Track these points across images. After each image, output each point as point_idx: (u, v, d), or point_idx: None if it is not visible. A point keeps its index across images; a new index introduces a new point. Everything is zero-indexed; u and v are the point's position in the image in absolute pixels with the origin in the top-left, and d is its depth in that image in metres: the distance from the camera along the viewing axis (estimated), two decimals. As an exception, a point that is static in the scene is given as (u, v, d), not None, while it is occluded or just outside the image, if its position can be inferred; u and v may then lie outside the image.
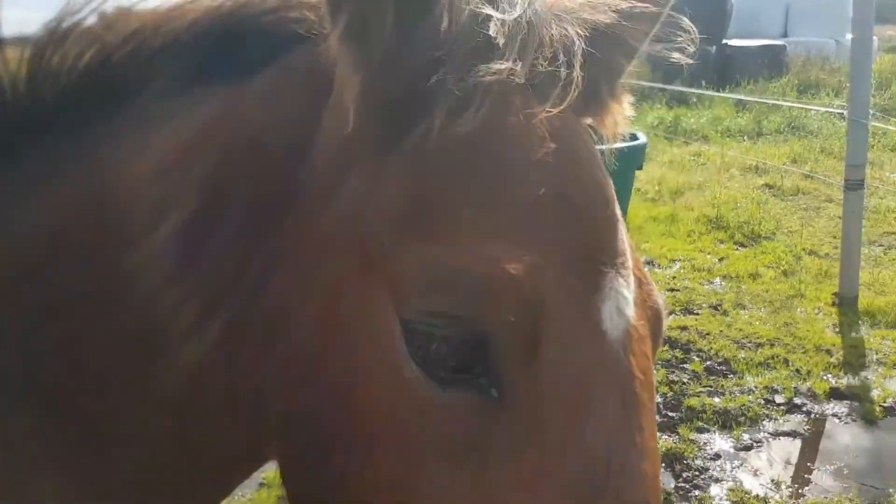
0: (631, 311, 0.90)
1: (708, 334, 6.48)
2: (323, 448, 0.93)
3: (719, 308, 7.04)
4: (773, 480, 4.50)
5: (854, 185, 6.47)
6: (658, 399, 5.53)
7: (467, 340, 0.82)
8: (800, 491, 4.40)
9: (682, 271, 7.89)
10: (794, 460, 4.78)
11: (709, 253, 8.39)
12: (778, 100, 13.63)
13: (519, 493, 0.80)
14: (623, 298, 0.89)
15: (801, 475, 4.60)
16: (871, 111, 6.82)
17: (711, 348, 6.24)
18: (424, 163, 0.87)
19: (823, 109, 11.68)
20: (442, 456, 0.83)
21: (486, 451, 0.81)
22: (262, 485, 4.55)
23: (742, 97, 13.52)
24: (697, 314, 6.88)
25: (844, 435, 5.11)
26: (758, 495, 4.28)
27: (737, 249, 8.47)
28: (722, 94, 13.35)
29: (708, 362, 6.05)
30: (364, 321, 0.88)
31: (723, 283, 7.67)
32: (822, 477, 4.58)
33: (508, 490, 0.80)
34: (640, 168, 7.50)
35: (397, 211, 0.86)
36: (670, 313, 6.99)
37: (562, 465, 0.81)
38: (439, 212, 0.86)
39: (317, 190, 0.94)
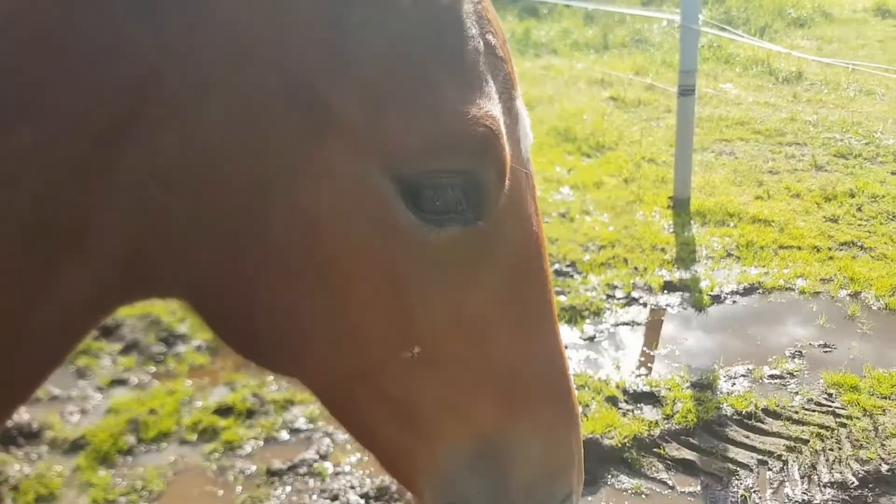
0: (531, 130, 1.11)
1: (557, 240, 6.75)
2: (266, 307, 0.94)
3: (566, 215, 7.34)
4: (614, 366, 4.83)
5: (686, 91, 6.82)
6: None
7: (461, 185, 0.91)
8: (637, 372, 4.75)
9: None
10: (632, 347, 5.15)
11: (558, 165, 8.67)
12: (622, 7, 13.99)
13: (505, 285, 0.95)
14: (527, 119, 1.07)
15: (639, 359, 4.97)
16: (709, 21, 7.15)
17: (560, 252, 6.52)
18: (402, 41, 0.91)
19: (659, 15, 12.19)
20: (432, 283, 0.92)
21: (475, 268, 0.93)
22: (109, 411, 4.29)
23: (589, 4, 13.73)
24: (547, 222, 7.14)
25: (677, 322, 5.57)
26: (600, 378, 4.58)
27: (584, 160, 8.81)
28: (571, 4, 13.50)
29: (556, 265, 6.32)
30: (324, 181, 0.90)
31: (571, 191, 7.98)
32: (657, 360, 4.97)
33: (496, 289, 0.95)
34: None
35: (375, 87, 0.90)
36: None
37: (528, 255, 0.99)
38: (420, 82, 0.91)
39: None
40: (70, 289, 0.90)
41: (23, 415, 4.27)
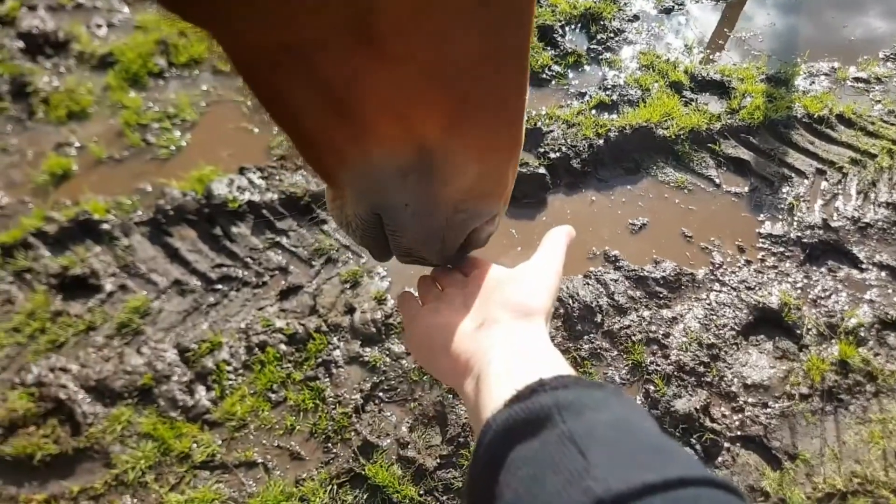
0: None
1: None
2: None
3: None
4: (686, 45, 4.35)
5: None
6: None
7: None
8: (712, 56, 4.29)
9: None
10: (712, 25, 4.58)
11: None
12: None
13: None
14: None
15: (716, 40, 4.46)
16: None
17: None
18: None
19: None
20: None
21: None
22: (137, 28, 4.03)
23: None
24: None
25: (772, 2, 4.87)
26: (668, 60, 4.15)
27: None
28: None
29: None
30: None
31: None
32: (736, 44, 4.45)
33: None
34: None
35: None
36: None
37: None
38: None
39: None
40: None
41: (47, 22, 4.02)
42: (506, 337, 0.75)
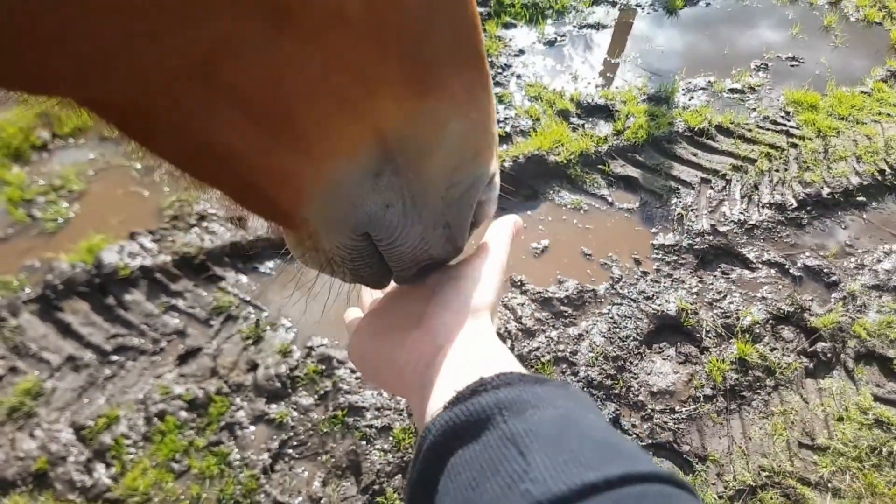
0: None
1: (526, -80, 5.89)
2: None
3: None
4: (571, 76, 4.52)
5: None
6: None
7: None
8: (595, 82, 4.47)
9: None
10: (593, 54, 4.79)
11: None
12: None
13: None
14: None
15: (599, 68, 4.66)
16: None
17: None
18: None
19: None
20: None
21: None
22: (18, 102, 3.91)
23: None
24: None
25: (644, 26, 5.14)
26: (554, 90, 4.31)
27: None
28: None
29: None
30: None
31: None
32: (617, 68, 4.66)
33: None
34: None
35: None
36: None
37: None
38: None
39: None
40: None
41: (-79, 103, 3.87)
42: (451, 340, 0.70)
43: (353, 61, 0.60)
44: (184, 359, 2.74)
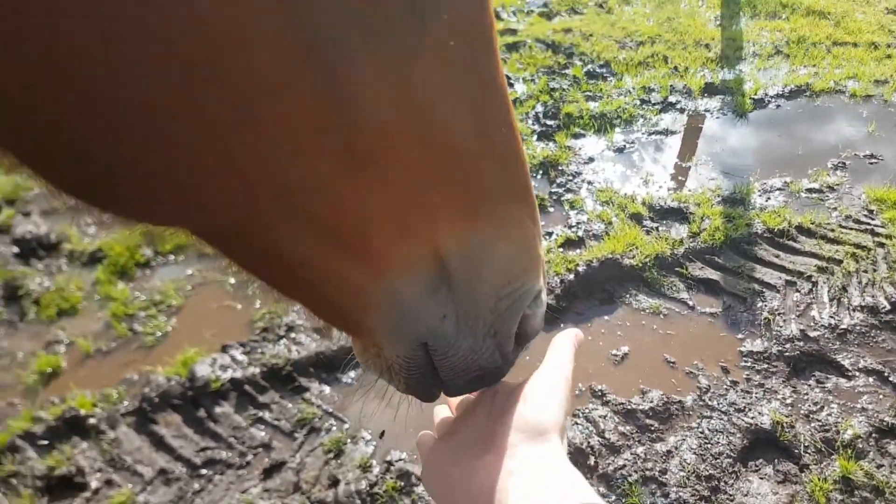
0: None
1: (591, 35, 6.17)
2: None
3: (604, 6, 6.65)
4: (643, 180, 4.58)
5: None
6: (538, 108, 5.35)
7: None
8: (667, 186, 4.51)
9: (568, -34, 7.28)
10: (664, 158, 4.85)
11: (597, -56, 7.71)
12: None
13: (452, 49, 0.68)
14: None
15: (671, 171, 4.70)
16: None
17: (594, 50, 5.98)
18: None
19: None
20: (368, 52, 0.63)
21: (417, 30, 0.66)
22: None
23: None
24: (583, 14, 6.50)
25: (714, 130, 5.19)
26: (626, 194, 4.36)
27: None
28: None
29: (589, 66, 5.82)
30: None
31: (610, -23, 7.16)
32: (690, 171, 4.70)
33: (442, 56, 0.68)
34: None
35: None
36: (556, 14, 6.59)
37: (489, 43, 0.72)
38: None
39: None
40: None
41: (40, 226, 4.25)
42: (522, 464, 0.72)
43: (418, 194, 0.70)
44: (269, 473, 2.79)
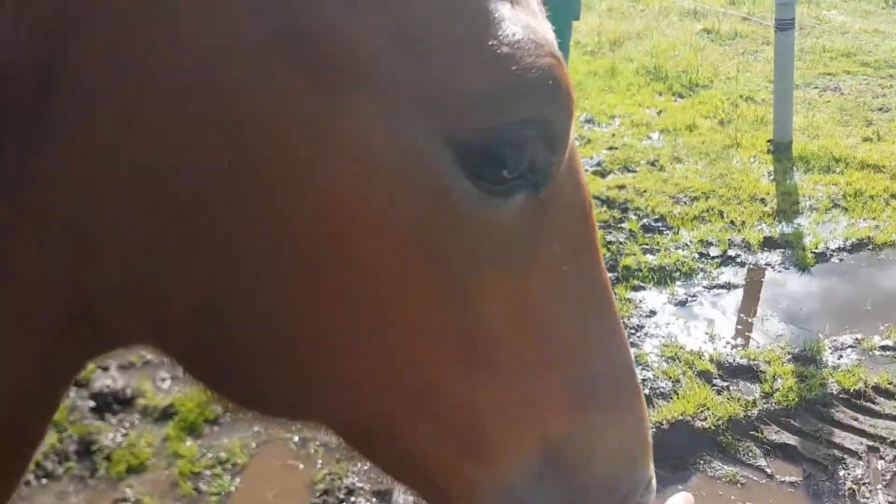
0: None
1: (645, 191, 6.37)
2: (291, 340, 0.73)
3: (656, 163, 6.90)
4: (708, 335, 4.54)
5: (784, 26, 6.19)
6: (595, 261, 5.45)
7: (535, 139, 0.71)
8: (733, 342, 4.45)
9: (621, 128, 7.67)
10: (728, 313, 4.82)
11: (647, 106, 8.15)
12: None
13: (563, 261, 0.78)
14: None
15: (737, 327, 4.65)
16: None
17: (648, 205, 6.15)
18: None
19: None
20: (491, 270, 0.73)
21: (534, 246, 0.75)
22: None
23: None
24: (635, 171, 6.75)
25: (777, 284, 5.17)
26: (692, 350, 4.31)
27: (675, 101, 8.24)
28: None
29: (644, 220, 5.96)
30: (350, 155, 0.68)
31: (661, 136, 7.49)
32: (756, 327, 4.64)
33: (554, 268, 0.77)
34: (577, 18, 7.04)
35: (416, 19, 0.68)
36: (609, 172, 6.87)
37: (584, 221, 0.81)
38: (473, 2, 0.69)
39: None
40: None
41: (118, 380, 4.44)
42: None
43: (531, 387, 0.75)
44: None
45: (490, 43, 0.67)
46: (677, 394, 3.88)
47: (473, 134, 0.68)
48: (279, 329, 0.71)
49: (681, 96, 8.31)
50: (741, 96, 8.02)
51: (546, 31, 0.73)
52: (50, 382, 0.79)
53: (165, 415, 4.09)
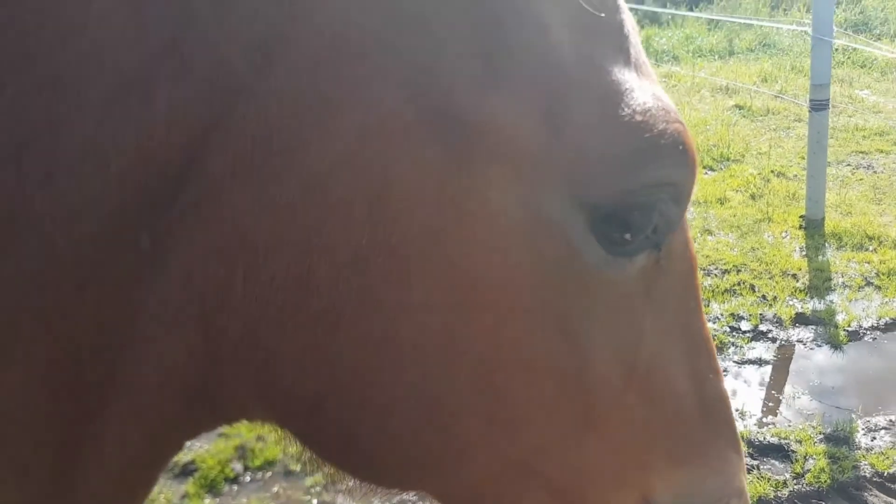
0: None
1: (674, 263, 6.37)
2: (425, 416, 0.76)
3: (686, 235, 6.92)
4: (738, 410, 4.44)
5: (818, 106, 6.25)
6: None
7: (662, 201, 0.75)
8: (765, 419, 4.34)
9: (649, 199, 7.74)
10: (758, 390, 4.72)
11: (677, 179, 8.21)
12: (749, 18, 13.24)
13: (674, 316, 0.81)
14: None
15: (767, 403, 4.55)
16: (838, 28, 6.56)
17: (677, 277, 6.14)
18: (575, 30, 0.75)
19: (790, 27, 11.32)
20: (612, 329, 0.76)
21: (649, 303, 0.79)
22: (220, 435, 4.42)
23: (714, 16, 13.15)
24: (664, 242, 6.78)
25: (809, 361, 5.06)
26: (720, 427, 4.22)
27: (706, 174, 8.28)
28: (694, 14, 12.94)
29: (674, 292, 5.95)
30: (482, 224, 0.70)
31: (692, 208, 7.51)
32: (787, 404, 4.53)
33: (666, 323, 0.80)
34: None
35: (549, 91, 0.72)
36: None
37: (692, 276, 0.86)
38: (605, 75, 0.74)
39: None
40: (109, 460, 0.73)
41: (143, 433, 4.48)
42: None
43: (637, 446, 0.78)
44: None
45: (624, 112, 0.71)
46: (704, 471, 3.78)
47: (608, 198, 0.72)
48: (417, 410, 0.73)
49: (711, 169, 8.35)
50: (773, 171, 8.04)
51: (664, 96, 0.78)
52: (154, 465, 0.83)
53: (186, 471, 4.10)
